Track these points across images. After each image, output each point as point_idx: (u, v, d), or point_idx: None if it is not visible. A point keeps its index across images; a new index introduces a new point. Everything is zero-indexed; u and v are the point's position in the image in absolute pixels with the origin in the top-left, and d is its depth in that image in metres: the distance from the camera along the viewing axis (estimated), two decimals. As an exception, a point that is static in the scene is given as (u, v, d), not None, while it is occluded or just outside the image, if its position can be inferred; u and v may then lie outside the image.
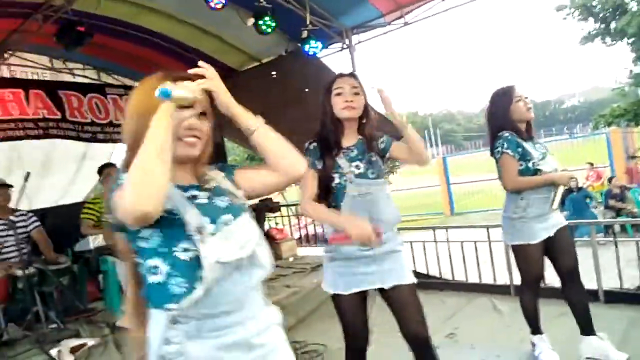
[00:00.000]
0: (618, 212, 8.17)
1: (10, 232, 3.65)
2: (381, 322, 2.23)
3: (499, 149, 2.50)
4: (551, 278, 2.99)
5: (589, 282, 2.61)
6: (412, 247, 4.35)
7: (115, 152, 6.88)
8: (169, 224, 1.12)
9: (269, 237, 5.53)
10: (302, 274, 4.80)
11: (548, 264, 2.62)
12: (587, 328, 2.53)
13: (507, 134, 2.48)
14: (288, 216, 7.09)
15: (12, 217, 3.63)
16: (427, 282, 4.17)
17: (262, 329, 1.22)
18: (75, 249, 4.11)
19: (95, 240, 3.81)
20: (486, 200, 13.19)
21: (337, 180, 1.97)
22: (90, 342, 3.32)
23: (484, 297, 3.90)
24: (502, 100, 2.56)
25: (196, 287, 1.10)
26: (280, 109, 4.82)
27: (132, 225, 1.09)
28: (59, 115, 5.55)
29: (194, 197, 1.19)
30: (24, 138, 5.35)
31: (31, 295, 3.47)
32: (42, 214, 4.37)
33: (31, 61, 5.84)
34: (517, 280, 3.85)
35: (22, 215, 3.98)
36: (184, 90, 1.11)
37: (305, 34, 5.09)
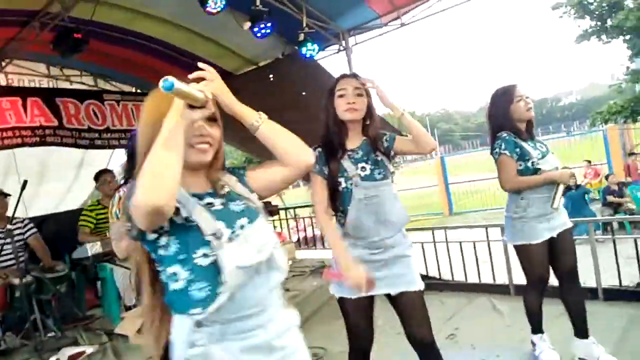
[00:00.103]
0: (616, 210, 8.18)
1: (8, 241, 3.63)
2: (382, 323, 2.23)
3: (497, 149, 2.50)
4: (551, 278, 2.98)
5: (588, 280, 2.61)
6: (411, 248, 4.34)
7: (112, 158, 6.89)
8: (186, 231, 1.14)
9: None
10: (301, 277, 4.79)
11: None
12: (581, 330, 2.52)
13: (505, 135, 2.48)
14: (286, 219, 7.09)
15: (9, 226, 3.62)
16: (426, 283, 4.13)
17: (282, 331, 1.24)
18: (73, 256, 4.10)
19: (93, 248, 3.80)
20: (485, 199, 13.21)
21: (343, 185, 1.95)
22: (89, 349, 3.31)
23: (484, 297, 3.90)
24: (502, 100, 2.54)
25: (218, 292, 1.12)
26: (277, 112, 4.76)
27: (146, 227, 1.09)
28: (55, 123, 5.55)
29: (210, 204, 1.21)
30: (21, 146, 5.36)
31: (29, 303, 3.46)
32: (40, 222, 4.37)
33: (28, 69, 5.85)
34: (517, 279, 3.88)
35: (19, 222, 3.98)
36: (189, 87, 1.10)
37: (301, 36, 5.10)
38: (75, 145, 5.80)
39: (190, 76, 1.21)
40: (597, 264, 3.44)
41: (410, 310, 1.97)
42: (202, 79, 1.20)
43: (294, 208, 7.85)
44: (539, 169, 2.44)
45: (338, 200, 1.97)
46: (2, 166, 5.83)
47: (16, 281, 3.47)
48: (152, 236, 1.15)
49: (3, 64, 5.52)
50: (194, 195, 1.20)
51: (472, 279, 4.23)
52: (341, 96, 1.98)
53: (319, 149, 1.99)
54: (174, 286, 1.16)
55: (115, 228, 2.40)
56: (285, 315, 1.28)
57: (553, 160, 2.50)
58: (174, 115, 1.09)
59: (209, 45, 5.65)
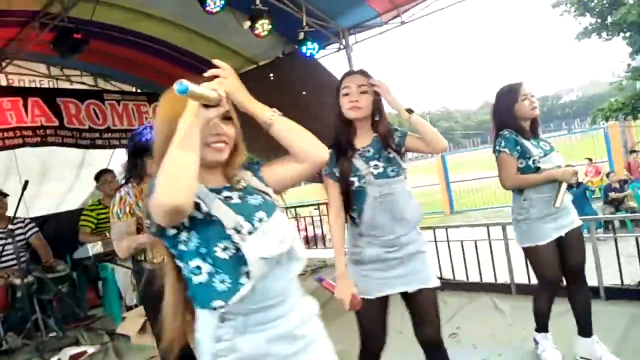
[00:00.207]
0: (617, 208, 8.16)
1: (9, 241, 3.64)
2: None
3: (497, 147, 2.49)
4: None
5: (589, 278, 2.59)
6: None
7: (113, 158, 6.89)
8: (207, 226, 1.17)
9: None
10: (302, 277, 4.76)
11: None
12: (585, 329, 2.51)
13: (506, 133, 2.47)
14: (287, 218, 7.08)
15: (10, 226, 3.63)
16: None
17: (304, 320, 1.27)
18: (74, 256, 4.11)
19: (94, 248, 3.81)
20: (486, 198, 13.18)
21: (357, 184, 1.93)
22: (90, 349, 3.32)
23: (485, 297, 3.89)
24: (507, 98, 2.52)
25: (241, 283, 1.15)
26: (278, 110, 4.81)
27: (166, 224, 1.13)
28: (56, 123, 5.56)
29: (228, 197, 1.23)
30: (22, 146, 5.36)
31: (30, 303, 3.48)
32: (41, 222, 4.38)
33: (29, 69, 5.86)
34: (518, 279, 3.88)
35: (20, 222, 3.99)
36: (203, 88, 1.11)
37: (302, 35, 5.09)
38: (76, 145, 5.81)
39: (206, 74, 1.22)
40: (598, 263, 3.44)
41: (424, 308, 1.96)
42: (217, 76, 1.21)
43: (295, 207, 7.85)
44: (539, 167, 2.42)
45: (352, 200, 1.95)
46: (3, 166, 5.84)
47: (17, 281, 3.49)
48: (171, 232, 1.18)
49: (3, 64, 5.53)
50: (212, 190, 1.22)
51: (474, 278, 4.22)
52: (345, 94, 1.96)
53: (330, 150, 1.95)
54: (197, 279, 1.19)
55: (117, 228, 2.39)
56: (305, 304, 1.31)
57: (557, 159, 2.47)
58: (189, 115, 1.11)
59: (209, 44, 5.64)
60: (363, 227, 1.94)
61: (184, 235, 1.18)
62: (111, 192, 3.96)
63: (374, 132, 2.00)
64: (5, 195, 4.01)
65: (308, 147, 1.29)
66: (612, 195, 8.26)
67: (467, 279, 4.26)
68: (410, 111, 1.95)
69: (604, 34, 16.60)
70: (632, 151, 10.63)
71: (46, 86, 5.98)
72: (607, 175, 9.23)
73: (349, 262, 2.02)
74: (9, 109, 5.22)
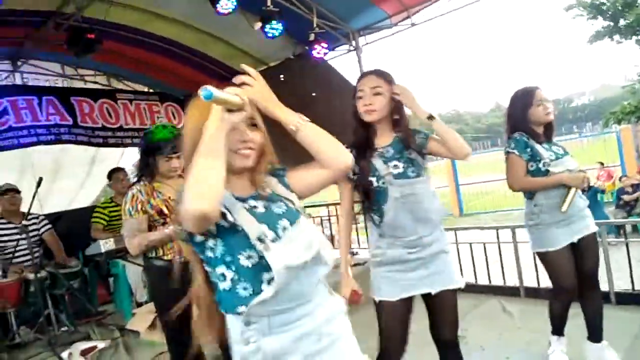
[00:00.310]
0: (629, 213, 8.07)
1: (23, 236, 3.70)
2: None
3: (507, 149, 2.50)
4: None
5: (600, 283, 2.57)
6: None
7: (124, 156, 6.97)
8: (232, 235, 1.20)
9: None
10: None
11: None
12: (595, 334, 2.49)
13: (517, 135, 2.46)
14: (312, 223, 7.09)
15: (24, 222, 3.69)
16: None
17: (329, 318, 1.29)
18: (87, 253, 4.16)
19: (106, 244, 3.85)
20: (495, 201, 13.10)
21: (375, 184, 1.92)
22: (101, 344, 3.35)
23: (494, 299, 3.88)
24: (521, 102, 2.51)
25: (262, 290, 1.18)
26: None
27: (195, 230, 1.17)
28: (70, 121, 5.64)
29: (253, 207, 1.26)
30: (36, 144, 5.45)
31: (43, 298, 3.52)
32: (55, 218, 4.44)
33: (43, 69, 5.94)
34: (527, 282, 3.86)
35: (34, 218, 4.06)
36: (227, 94, 1.13)
37: (312, 37, 5.11)
38: (90, 144, 5.89)
39: (235, 80, 1.24)
40: (609, 267, 3.41)
41: (445, 309, 1.95)
42: (245, 83, 1.23)
43: (304, 208, 7.85)
44: (549, 171, 2.40)
45: (372, 200, 1.94)
46: (18, 164, 5.93)
47: (31, 276, 3.54)
48: (199, 238, 1.22)
49: (19, 63, 5.62)
50: (237, 198, 1.25)
51: (482, 280, 4.21)
52: (359, 97, 1.95)
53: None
54: (222, 286, 1.23)
55: (128, 225, 2.42)
56: (332, 302, 1.33)
57: (569, 163, 2.45)
58: (213, 121, 1.13)
59: (220, 45, 5.69)
60: (384, 228, 1.92)
61: (211, 242, 1.22)
62: (123, 190, 4.01)
63: (395, 132, 1.98)
64: (18, 191, 4.07)
65: (332, 153, 1.30)
66: (626, 197, 8.16)
67: (476, 281, 4.25)
68: (432, 117, 1.91)
69: (616, 37, 16.42)
70: (644, 155, 10.48)
71: (60, 85, 6.06)
72: (620, 179, 9.13)
73: (372, 264, 2.01)
74: (24, 108, 5.31)
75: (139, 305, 3.90)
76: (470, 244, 4.32)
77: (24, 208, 4.00)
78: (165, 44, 5.56)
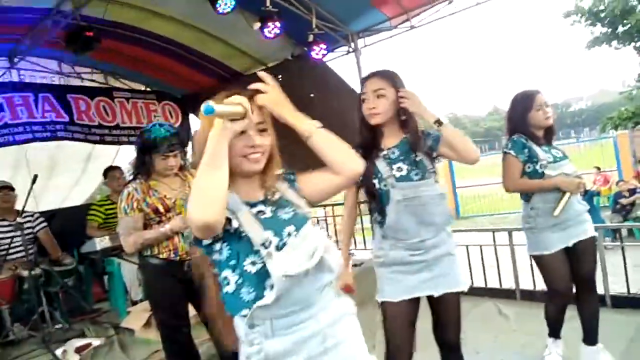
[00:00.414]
0: (625, 217, 8.10)
1: (17, 234, 3.69)
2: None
3: (504, 149, 2.51)
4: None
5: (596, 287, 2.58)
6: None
7: (119, 154, 6.95)
8: (237, 240, 1.22)
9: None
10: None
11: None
12: (591, 337, 2.50)
13: (515, 136, 2.48)
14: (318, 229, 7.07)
15: (19, 219, 3.68)
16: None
17: (334, 320, 1.29)
18: (82, 250, 4.15)
19: (101, 242, 3.84)
20: (492, 204, 13.14)
21: (377, 186, 1.91)
22: (95, 342, 3.35)
23: (490, 302, 3.88)
24: (521, 106, 2.52)
25: (265, 295, 1.19)
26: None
27: (201, 237, 1.20)
28: (66, 119, 5.61)
29: (260, 212, 1.28)
30: (32, 141, 5.41)
31: (37, 295, 3.51)
32: (50, 215, 4.42)
33: (40, 66, 5.91)
34: (523, 284, 3.86)
35: (29, 216, 4.03)
36: (229, 106, 1.13)
37: (311, 38, 5.11)
38: (86, 141, 5.87)
39: (250, 87, 1.27)
40: (605, 271, 3.42)
41: (449, 312, 1.95)
42: (259, 91, 1.26)
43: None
44: (544, 173, 2.40)
45: (376, 201, 1.94)
46: (13, 160, 5.89)
47: (25, 273, 3.52)
48: (207, 241, 1.25)
49: (16, 60, 5.59)
50: (245, 203, 1.27)
51: (478, 283, 4.21)
52: (363, 100, 1.94)
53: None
54: (226, 289, 1.25)
55: (124, 223, 2.42)
56: (339, 304, 1.33)
57: (567, 167, 2.45)
58: (215, 133, 1.14)
59: (219, 45, 5.68)
60: (387, 229, 1.91)
61: (217, 246, 1.25)
62: (119, 188, 4.00)
63: (403, 132, 1.95)
64: (12, 189, 4.05)
65: (343, 159, 1.30)
66: (623, 201, 8.18)
67: (472, 283, 4.24)
68: (439, 122, 1.88)
69: (614, 43, 16.49)
70: (641, 161, 10.53)
71: (57, 83, 6.04)
72: (617, 183, 9.17)
73: (375, 264, 2.00)
74: (20, 105, 5.28)
75: (134, 303, 3.90)
76: (467, 246, 4.32)
77: (18, 205, 3.97)
78: (163, 43, 5.54)
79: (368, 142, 1.95)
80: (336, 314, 1.30)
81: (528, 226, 2.51)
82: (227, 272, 1.24)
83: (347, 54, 5.75)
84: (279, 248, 1.21)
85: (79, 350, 3.18)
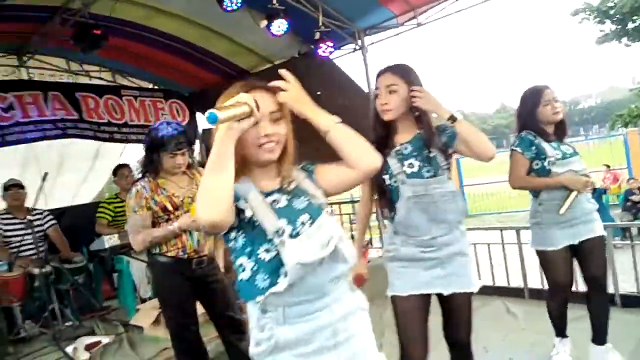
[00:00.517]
0: (635, 215, 8.02)
1: (28, 231, 3.72)
2: (394, 323, 2.21)
3: (512, 146, 2.50)
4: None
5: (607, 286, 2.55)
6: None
7: (125, 152, 7.00)
8: (252, 228, 1.25)
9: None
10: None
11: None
12: (599, 337, 2.48)
13: (524, 133, 2.46)
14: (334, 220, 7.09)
15: (29, 217, 3.71)
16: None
17: (347, 314, 1.30)
18: (91, 248, 4.18)
19: (110, 240, 3.87)
20: (500, 202, 13.07)
21: (387, 182, 1.90)
22: (105, 339, 3.38)
23: (498, 300, 3.86)
24: (530, 101, 2.50)
25: (279, 282, 1.21)
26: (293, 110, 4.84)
27: (212, 232, 1.26)
28: (76, 116, 5.65)
29: (275, 201, 1.29)
30: (42, 139, 5.46)
31: (48, 293, 3.54)
32: (60, 213, 4.46)
33: (49, 64, 5.95)
34: (531, 283, 3.84)
35: (39, 214, 4.07)
36: (234, 108, 1.14)
37: (317, 35, 5.10)
38: (96, 138, 5.90)
39: (270, 84, 1.30)
40: (614, 270, 3.39)
41: (460, 311, 1.93)
42: (279, 88, 1.28)
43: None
44: (550, 170, 2.39)
45: (387, 197, 1.93)
46: (22, 158, 5.95)
47: (36, 271, 3.56)
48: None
49: (25, 58, 5.64)
50: (261, 192, 1.29)
51: (486, 281, 4.19)
52: (376, 96, 1.93)
53: None
54: (241, 276, 1.27)
55: (132, 221, 2.43)
56: (352, 298, 1.34)
57: (576, 164, 2.43)
58: (220, 134, 1.15)
59: (226, 42, 5.68)
60: (397, 225, 1.90)
61: (233, 234, 1.28)
62: (128, 186, 4.02)
63: (417, 128, 1.91)
64: (22, 187, 4.08)
65: (358, 154, 1.30)
66: (634, 198, 8.10)
67: (480, 281, 4.22)
68: (454, 119, 1.81)
69: (624, 40, 16.32)
70: (651, 158, 10.40)
71: (66, 81, 6.08)
72: (628, 181, 9.08)
73: (385, 259, 1.99)
74: (31, 103, 5.32)
75: (143, 301, 3.93)
76: (475, 244, 4.30)
77: (29, 203, 4.01)
78: (169, 41, 5.56)
79: (381, 138, 1.93)
80: (349, 307, 1.31)
81: (535, 221, 2.50)
82: (242, 259, 1.26)
83: (353, 51, 5.73)
84: (292, 237, 1.23)
85: (88, 347, 3.21)
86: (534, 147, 2.43)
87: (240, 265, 1.27)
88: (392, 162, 1.89)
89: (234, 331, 2.52)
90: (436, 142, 1.87)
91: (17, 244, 3.79)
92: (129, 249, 3.56)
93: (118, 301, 4.36)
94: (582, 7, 16.48)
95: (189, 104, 6.70)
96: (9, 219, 3.96)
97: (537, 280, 3.74)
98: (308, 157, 1.41)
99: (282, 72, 1.30)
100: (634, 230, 6.91)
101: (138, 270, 3.91)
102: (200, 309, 2.56)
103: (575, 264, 2.54)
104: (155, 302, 3.40)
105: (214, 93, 1.27)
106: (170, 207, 2.43)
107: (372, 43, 5.71)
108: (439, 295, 1.92)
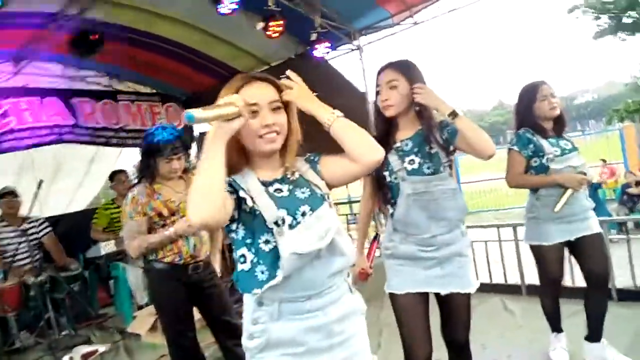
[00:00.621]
0: (631, 209, 8.03)
1: (23, 240, 3.69)
2: (391, 322, 2.22)
3: (509, 145, 2.50)
4: (566, 277, 2.94)
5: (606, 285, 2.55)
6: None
7: (121, 156, 6.99)
8: (252, 219, 1.25)
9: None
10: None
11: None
12: (594, 335, 2.47)
13: (521, 131, 2.46)
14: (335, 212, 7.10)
15: (24, 225, 3.68)
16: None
17: (344, 316, 1.30)
18: (87, 255, 4.16)
19: (106, 247, 3.86)
20: (498, 199, 13.07)
21: (388, 179, 1.89)
22: (102, 348, 3.36)
23: (495, 297, 3.86)
24: (526, 97, 2.50)
25: (277, 275, 1.21)
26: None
27: (206, 230, 1.20)
28: (72, 122, 5.65)
29: (278, 190, 1.30)
30: (38, 145, 5.45)
31: (43, 302, 3.50)
32: (55, 221, 4.43)
33: (45, 69, 5.93)
34: (529, 280, 3.84)
35: (33, 222, 4.02)
36: (219, 108, 1.14)
37: (314, 36, 5.10)
38: (92, 143, 5.92)
39: (279, 81, 1.33)
40: (610, 264, 3.39)
41: (455, 313, 1.92)
42: (283, 85, 1.32)
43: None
44: (549, 167, 2.39)
45: (388, 193, 1.92)
46: (18, 165, 5.93)
47: (31, 280, 3.53)
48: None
49: (21, 64, 5.62)
50: (262, 182, 1.29)
51: (484, 278, 4.19)
52: (378, 93, 1.92)
53: None
54: (241, 267, 1.28)
55: (128, 227, 2.42)
56: (350, 300, 1.34)
57: (574, 160, 2.42)
58: (210, 135, 1.16)
59: (222, 45, 5.68)
60: (397, 223, 1.89)
61: (234, 226, 1.27)
62: (125, 191, 3.99)
63: (419, 124, 1.89)
64: (16, 195, 4.03)
65: (360, 147, 1.29)
66: (631, 191, 8.10)
67: (477, 279, 4.22)
68: (455, 114, 1.78)
69: (620, 34, 16.36)
70: (647, 152, 10.42)
71: (62, 86, 6.07)
72: (625, 174, 9.09)
73: (384, 256, 1.98)
74: (26, 109, 5.32)
75: (140, 307, 3.91)
76: (472, 242, 4.30)
77: (24, 211, 3.98)
78: (166, 45, 5.55)
79: (382, 135, 1.91)
80: (346, 309, 1.31)
81: (532, 215, 2.50)
82: (243, 250, 1.27)
83: (350, 51, 5.73)
84: (292, 227, 1.23)
85: (85, 357, 3.20)
86: (531, 145, 2.42)
87: (242, 256, 1.27)
88: (393, 158, 1.87)
89: (230, 336, 2.50)
90: (437, 137, 1.84)
91: (12, 253, 3.75)
92: (124, 255, 3.55)
93: (115, 308, 4.34)
94: (578, 4, 16.53)
95: (185, 108, 6.67)
96: (3, 227, 3.92)
97: (534, 277, 3.74)
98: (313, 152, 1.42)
99: (289, 73, 1.34)
100: (630, 224, 6.92)
101: (134, 276, 3.89)
102: (197, 314, 2.55)
103: (573, 260, 2.54)
104: (152, 308, 3.38)
105: (210, 96, 1.28)
106: (166, 213, 2.42)
107: (369, 43, 5.72)
108: (438, 296, 1.91)
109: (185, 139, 2.59)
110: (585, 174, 2.42)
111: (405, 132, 1.91)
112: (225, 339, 2.54)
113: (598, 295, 2.48)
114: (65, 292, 3.75)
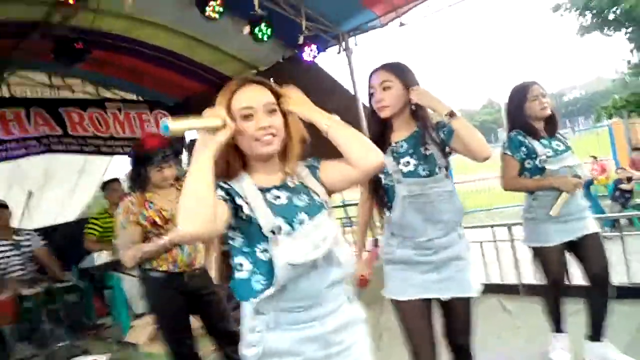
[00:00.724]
0: (624, 205, 8.09)
1: (15, 252, 3.65)
2: (391, 326, 2.20)
3: (502, 149, 2.50)
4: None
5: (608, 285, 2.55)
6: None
7: (112, 165, 6.93)
8: (249, 227, 1.22)
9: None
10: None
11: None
12: (594, 334, 2.48)
13: (513, 134, 2.46)
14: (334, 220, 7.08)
15: (16, 237, 3.64)
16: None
17: (341, 326, 1.28)
18: (81, 266, 4.12)
19: (100, 257, 3.82)
20: (491, 198, 13.11)
21: (383, 181, 1.87)
22: (101, 358, 3.32)
23: (492, 298, 3.86)
24: (516, 98, 2.50)
25: (273, 285, 1.19)
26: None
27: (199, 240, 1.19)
28: (60, 132, 5.59)
29: (276, 197, 1.27)
30: (26, 155, 5.39)
31: (39, 313, 3.48)
32: (47, 232, 4.38)
33: (30, 79, 5.87)
34: (526, 279, 3.84)
35: (27, 234, 3.99)
36: (200, 120, 1.14)
37: (301, 39, 5.09)
38: (82, 152, 5.87)
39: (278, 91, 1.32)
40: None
41: (458, 317, 1.90)
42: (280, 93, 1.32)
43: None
44: (545, 168, 2.39)
45: (384, 196, 1.89)
46: (6, 177, 5.86)
47: (26, 292, 3.49)
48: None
49: (5, 75, 5.55)
50: (260, 189, 1.26)
51: (480, 279, 4.19)
52: (371, 95, 1.90)
53: None
54: (238, 275, 1.25)
55: (122, 237, 2.40)
56: (348, 309, 1.31)
57: (569, 160, 2.42)
58: (197, 148, 1.15)
59: (209, 50, 5.65)
60: (393, 226, 1.87)
61: (231, 233, 1.25)
62: (118, 200, 3.96)
63: (415, 125, 1.87)
64: (6, 207, 3.99)
65: (359, 152, 1.27)
66: (623, 186, 8.16)
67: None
68: (452, 115, 1.75)
69: (605, 30, 16.55)
70: (635, 149, 10.52)
71: (48, 95, 6.00)
72: (617, 170, 9.16)
73: (383, 261, 1.96)
74: (12, 120, 5.25)
75: (137, 317, 3.87)
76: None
77: (14, 223, 3.93)
78: (152, 51, 5.51)
79: (377, 137, 1.87)
80: (345, 319, 1.29)
81: (530, 216, 2.50)
82: (241, 259, 1.25)
83: (338, 53, 5.73)
84: (289, 235, 1.20)
85: (84, 367, 3.16)
86: (523, 147, 2.42)
87: (240, 264, 1.25)
88: (388, 160, 1.82)
89: (229, 343, 2.48)
90: (433, 137, 1.82)
91: (4, 266, 3.71)
92: (118, 265, 3.51)
93: (112, 318, 4.30)
94: (561, 2, 16.73)
95: (174, 114, 6.63)
96: (-5, 240, 3.87)
97: (531, 276, 3.75)
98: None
99: (286, 88, 1.34)
100: (624, 221, 6.97)
101: (130, 285, 3.85)
102: (195, 322, 2.52)
103: (574, 259, 2.54)
104: (149, 317, 3.34)
105: (198, 102, 1.27)
106: (159, 222, 2.40)
107: (357, 44, 5.71)
108: (439, 300, 1.89)
109: (175, 147, 2.56)
110: (579, 176, 2.42)
111: (400, 134, 1.89)
112: (225, 346, 2.52)
113: (598, 295, 2.47)
114: (61, 303, 3.72)
